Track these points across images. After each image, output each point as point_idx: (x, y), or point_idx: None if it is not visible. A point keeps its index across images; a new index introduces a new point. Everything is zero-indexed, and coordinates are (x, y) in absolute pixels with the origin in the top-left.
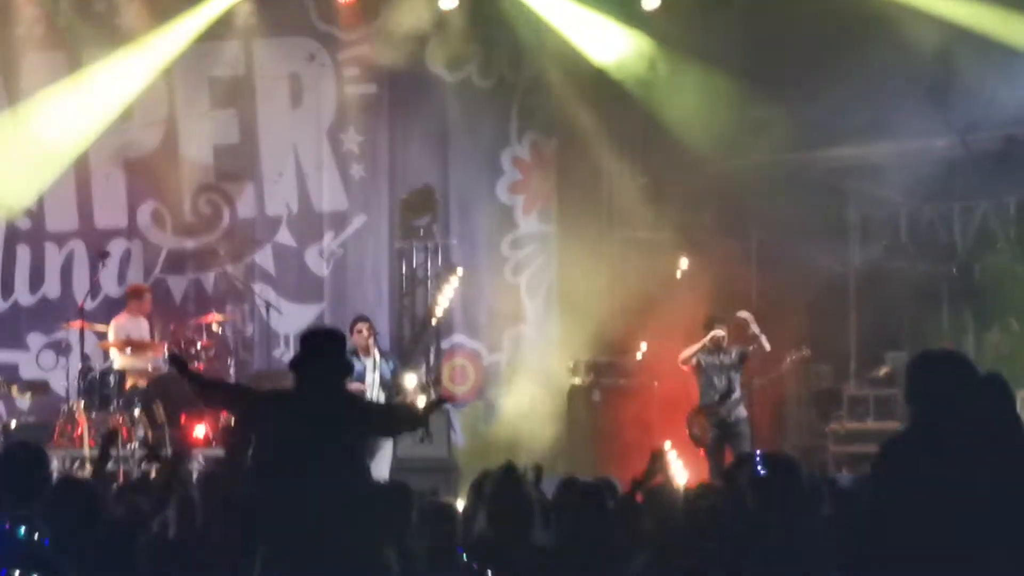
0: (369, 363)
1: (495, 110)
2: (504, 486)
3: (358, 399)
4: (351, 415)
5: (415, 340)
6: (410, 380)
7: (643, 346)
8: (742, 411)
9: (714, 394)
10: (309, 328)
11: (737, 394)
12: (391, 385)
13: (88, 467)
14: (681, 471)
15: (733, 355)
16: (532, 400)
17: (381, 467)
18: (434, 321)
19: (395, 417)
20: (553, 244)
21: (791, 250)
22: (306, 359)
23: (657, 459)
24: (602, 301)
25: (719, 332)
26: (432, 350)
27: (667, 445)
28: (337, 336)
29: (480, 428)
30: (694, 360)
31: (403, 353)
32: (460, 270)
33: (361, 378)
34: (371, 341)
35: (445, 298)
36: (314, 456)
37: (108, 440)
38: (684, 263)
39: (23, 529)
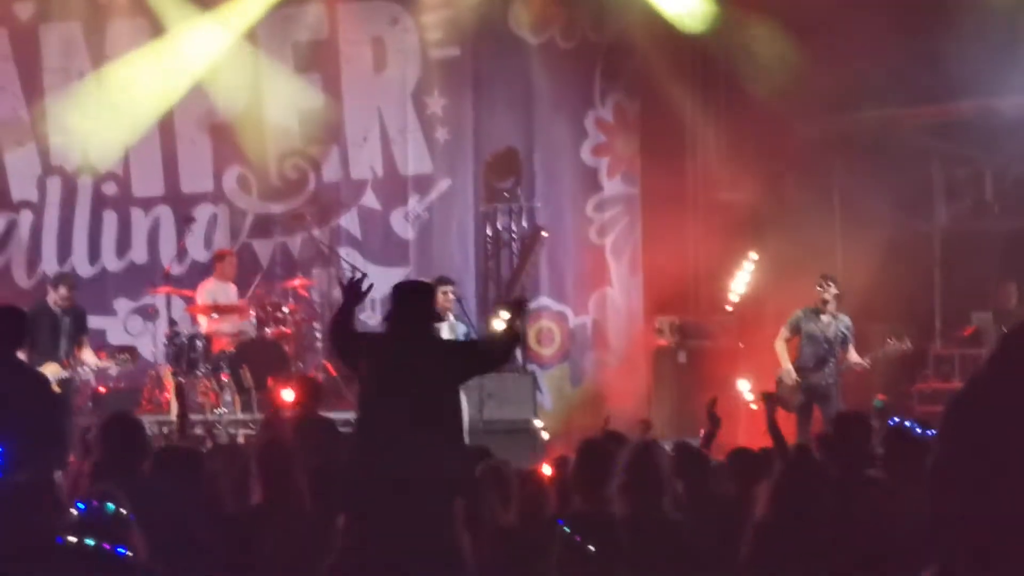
0: (445, 327)
1: (578, 72)
2: (642, 455)
3: (447, 341)
4: (441, 357)
5: (509, 287)
6: (498, 324)
7: (735, 293)
8: (836, 379)
9: (810, 361)
10: (398, 282)
11: (832, 366)
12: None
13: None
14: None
15: (841, 326)
16: (618, 362)
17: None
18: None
19: (484, 348)
20: (637, 206)
21: (875, 210)
22: (396, 310)
23: (712, 411)
24: (687, 263)
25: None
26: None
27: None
28: (423, 287)
29: (566, 390)
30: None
31: (495, 307)
32: (541, 239)
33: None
34: (450, 303)
35: (741, 281)
36: (409, 402)
37: (180, 395)
38: (768, 223)
39: (111, 506)
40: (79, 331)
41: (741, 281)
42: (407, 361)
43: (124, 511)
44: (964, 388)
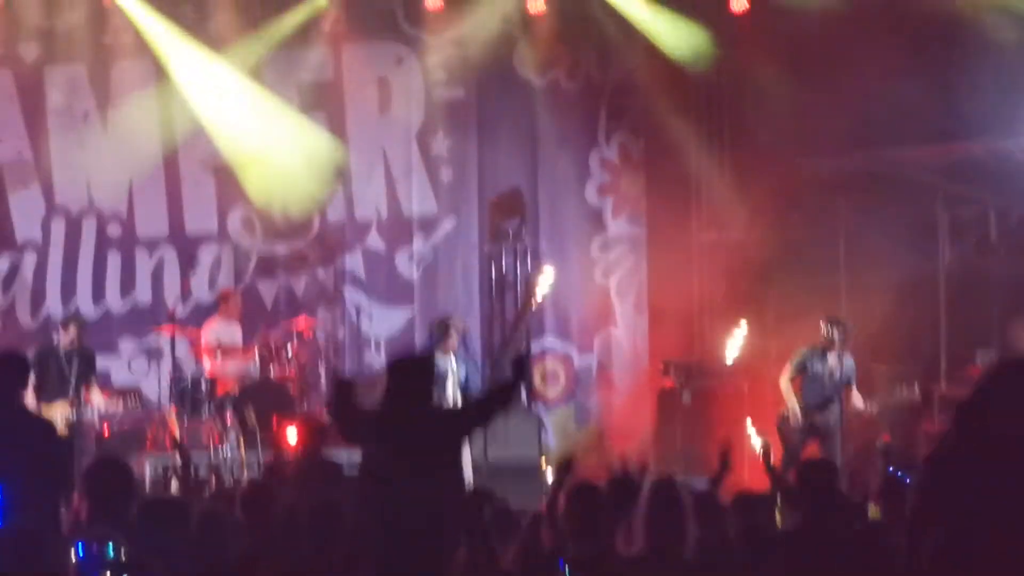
0: (447, 362)
1: (583, 112)
2: (662, 494)
3: (447, 413)
4: (441, 430)
5: (514, 328)
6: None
7: (736, 337)
8: (839, 421)
9: (815, 400)
10: (395, 357)
11: (836, 406)
12: (468, 387)
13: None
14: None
15: (846, 368)
16: (622, 403)
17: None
18: (534, 305)
19: (485, 404)
20: (643, 246)
21: (880, 249)
22: (393, 387)
23: (725, 455)
24: (692, 303)
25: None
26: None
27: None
28: (420, 362)
29: (570, 430)
30: (799, 368)
31: (499, 349)
32: (550, 269)
33: (443, 378)
34: (456, 342)
35: (543, 288)
36: (417, 477)
37: (182, 453)
38: (773, 264)
39: (111, 546)
40: (87, 372)
41: (733, 347)
42: (408, 441)
43: (124, 555)
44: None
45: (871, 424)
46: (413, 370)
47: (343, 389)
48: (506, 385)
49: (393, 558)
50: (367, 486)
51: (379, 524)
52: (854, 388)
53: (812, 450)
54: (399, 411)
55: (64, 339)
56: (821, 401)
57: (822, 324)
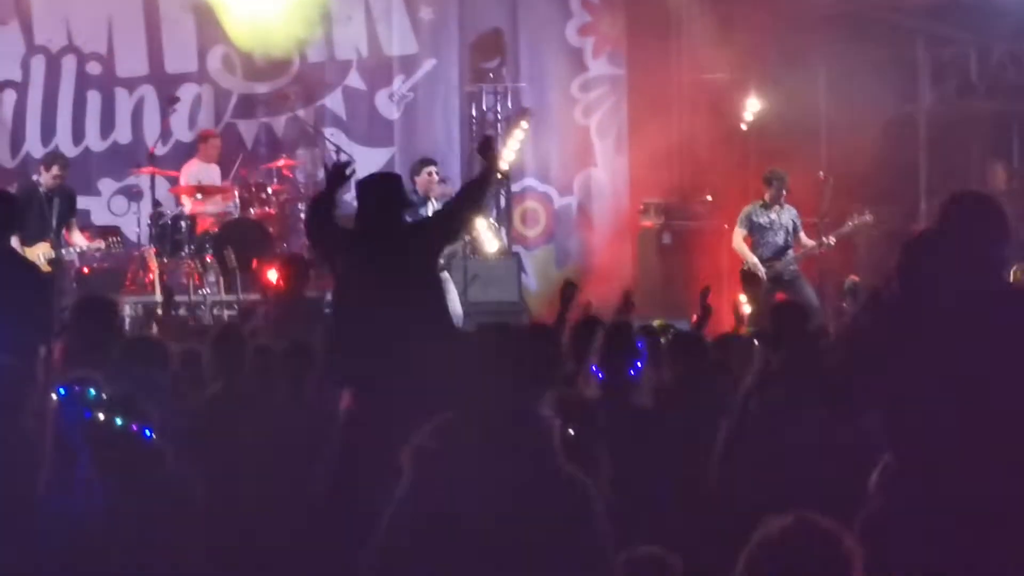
0: (430, 206)
1: None
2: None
3: (414, 222)
4: (410, 239)
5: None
6: (480, 224)
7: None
8: (797, 268)
9: (769, 251)
10: (363, 177)
11: (790, 254)
12: None
13: (158, 313)
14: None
15: (788, 216)
16: (603, 243)
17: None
18: (501, 168)
19: (456, 202)
20: (623, 86)
21: (860, 91)
22: (363, 204)
23: (705, 296)
24: (672, 143)
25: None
26: (502, 195)
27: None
28: (388, 177)
29: (551, 272)
30: (747, 224)
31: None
32: (526, 122)
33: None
34: (435, 184)
35: (512, 148)
36: (386, 291)
37: (165, 292)
38: (754, 105)
39: (92, 390)
40: (68, 212)
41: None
42: (378, 253)
43: (105, 395)
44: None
45: (844, 263)
46: (381, 185)
47: (336, 175)
48: (476, 176)
49: (368, 379)
50: (340, 308)
51: (352, 343)
52: (802, 233)
53: (781, 299)
54: (369, 226)
55: (46, 178)
56: (775, 251)
57: (766, 178)
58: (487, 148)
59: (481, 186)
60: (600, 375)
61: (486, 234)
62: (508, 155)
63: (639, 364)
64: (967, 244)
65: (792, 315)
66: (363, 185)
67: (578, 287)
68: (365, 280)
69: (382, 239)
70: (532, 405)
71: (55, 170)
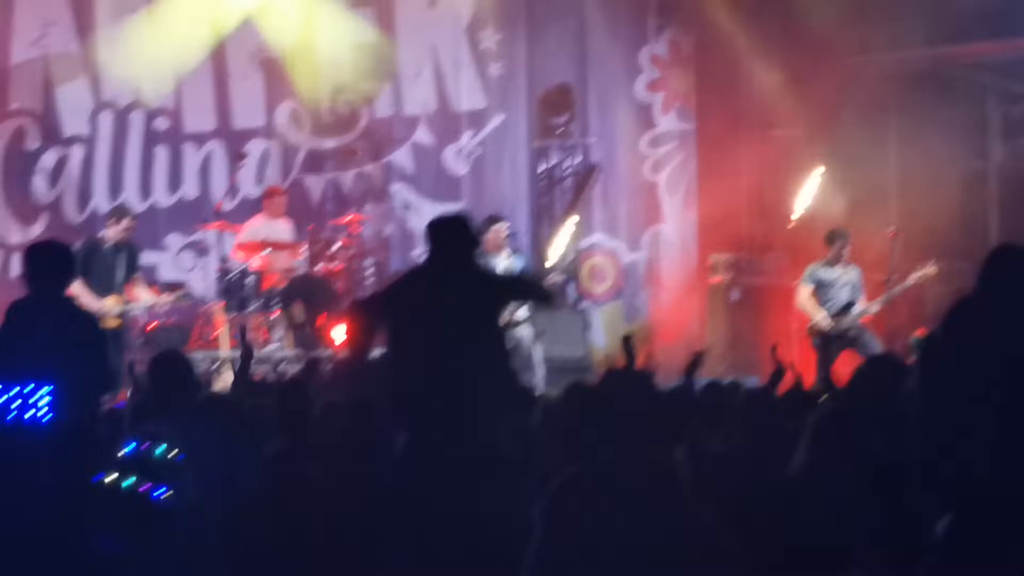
0: (498, 260)
1: (633, 6)
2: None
3: (487, 270)
4: (482, 284)
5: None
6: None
7: (799, 210)
8: (862, 323)
9: (835, 308)
10: (432, 219)
11: (859, 306)
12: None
13: (228, 369)
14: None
15: (853, 274)
16: (671, 299)
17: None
18: (548, 265)
19: (524, 282)
20: (692, 142)
21: (931, 147)
22: (432, 244)
23: (775, 355)
24: (741, 199)
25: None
26: (571, 251)
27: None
28: (460, 219)
29: (618, 328)
30: (812, 280)
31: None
32: (575, 217)
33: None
34: (504, 240)
35: (560, 244)
36: (452, 322)
37: (245, 348)
38: (820, 170)
39: (161, 448)
40: (132, 268)
41: (807, 195)
42: (445, 292)
43: (174, 453)
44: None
45: (913, 316)
46: (450, 225)
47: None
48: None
49: (424, 433)
50: (401, 356)
51: (414, 398)
52: (863, 297)
53: (848, 356)
54: (438, 266)
55: (115, 232)
56: (842, 306)
57: (829, 238)
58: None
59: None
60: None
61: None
62: (556, 250)
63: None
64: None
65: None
66: (433, 227)
67: (639, 338)
68: (431, 327)
69: (452, 281)
70: (666, 457)
71: (125, 223)
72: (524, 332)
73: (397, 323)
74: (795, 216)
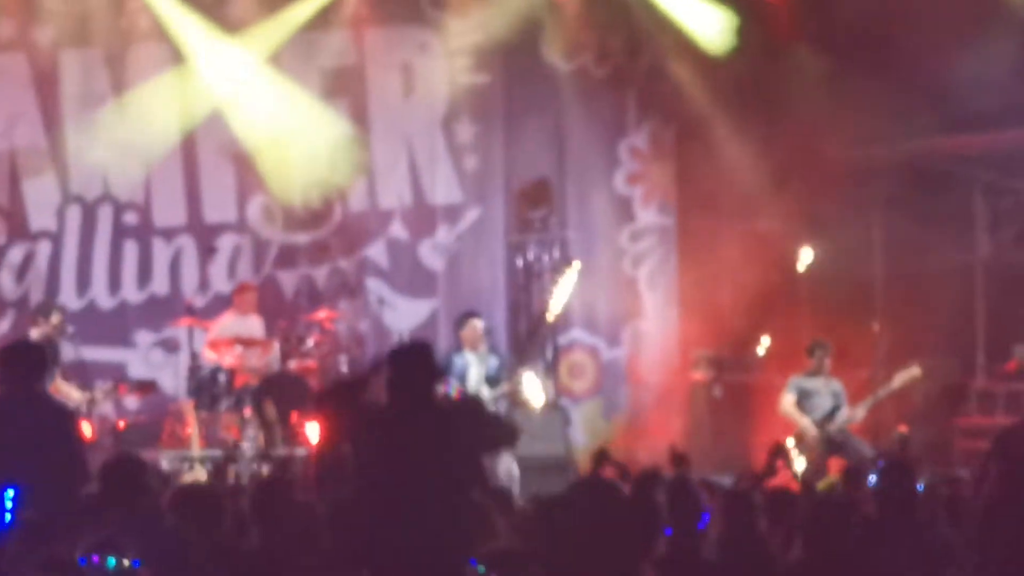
0: (475, 358)
1: (612, 99)
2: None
3: (452, 413)
4: (453, 421)
5: (530, 337)
6: (528, 379)
7: (764, 341)
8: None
9: (820, 415)
10: (394, 347)
11: (845, 412)
12: (497, 380)
13: (197, 467)
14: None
15: (835, 386)
16: (652, 396)
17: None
18: (549, 318)
19: (488, 426)
20: (672, 236)
21: (916, 240)
22: (395, 378)
23: (777, 455)
24: (723, 294)
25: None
26: (549, 347)
27: (790, 442)
28: (420, 349)
29: (598, 425)
30: (795, 390)
31: (519, 351)
32: (576, 263)
33: (464, 373)
34: (481, 337)
35: (561, 295)
36: (423, 483)
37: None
38: (807, 255)
39: (112, 560)
40: (54, 364)
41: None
42: (410, 437)
43: (128, 561)
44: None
45: (900, 414)
46: (412, 357)
47: (370, 374)
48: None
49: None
50: (366, 494)
51: (380, 538)
52: (846, 408)
53: (837, 463)
54: (402, 404)
55: (49, 327)
56: (824, 414)
57: (810, 350)
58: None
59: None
60: (667, 530)
61: (532, 388)
62: (557, 304)
63: (706, 517)
64: None
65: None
66: (395, 358)
67: (608, 456)
68: (394, 468)
69: (415, 421)
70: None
71: (56, 318)
72: None
73: (362, 455)
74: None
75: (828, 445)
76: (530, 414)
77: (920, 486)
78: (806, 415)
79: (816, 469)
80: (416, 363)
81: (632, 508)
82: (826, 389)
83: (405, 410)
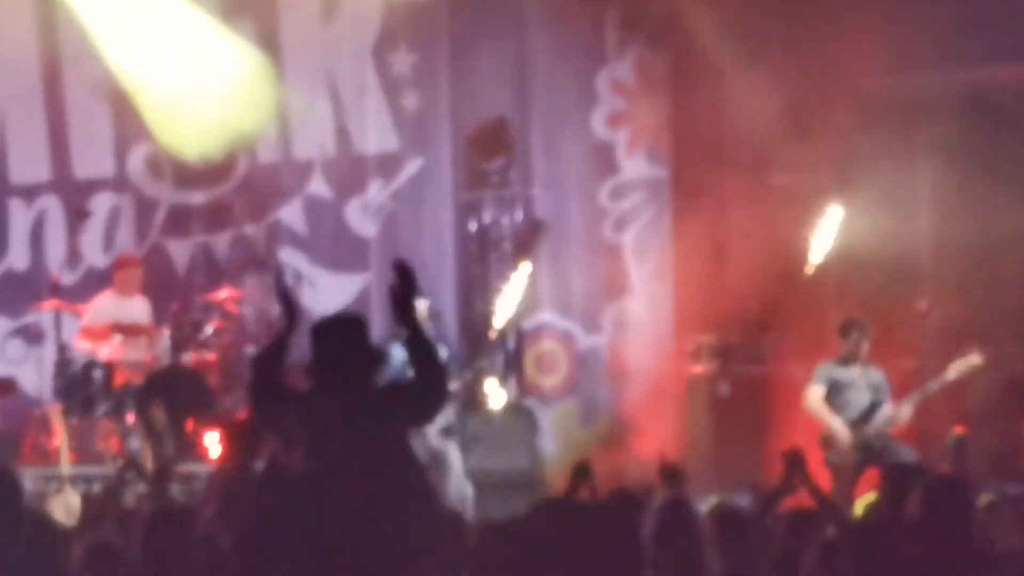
0: None
1: (587, 18)
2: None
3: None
4: (388, 409)
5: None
6: (490, 384)
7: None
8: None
9: (856, 412)
10: (318, 320)
11: (887, 410)
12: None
13: (67, 489)
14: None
15: (875, 376)
16: (641, 395)
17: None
18: (492, 335)
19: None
20: (666, 192)
21: (974, 195)
22: (318, 359)
23: (795, 465)
24: (730, 265)
25: None
26: (510, 336)
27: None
28: (347, 323)
29: (574, 432)
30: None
31: (472, 340)
32: (527, 264)
33: (403, 368)
34: (425, 322)
35: (507, 303)
36: (357, 484)
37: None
38: (835, 215)
39: None
40: None
41: (826, 236)
42: (341, 431)
43: None
44: None
45: (952, 412)
46: (337, 334)
47: (276, 351)
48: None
49: None
50: (288, 489)
51: (307, 541)
52: (888, 404)
53: (873, 474)
54: (329, 391)
55: None
56: (864, 411)
57: (843, 330)
58: (401, 305)
59: (427, 368)
60: None
61: (489, 385)
62: (503, 314)
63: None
64: None
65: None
66: (317, 335)
67: (589, 473)
68: (324, 466)
69: (345, 412)
70: None
71: None
72: (444, 443)
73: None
74: (811, 267)
75: (864, 453)
76: (487, 418)
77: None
78: (838, 414)
79: (848, 483)
80: (346, 343)
81: (610, 538)
82: (863, 381)
83: (336, 403)
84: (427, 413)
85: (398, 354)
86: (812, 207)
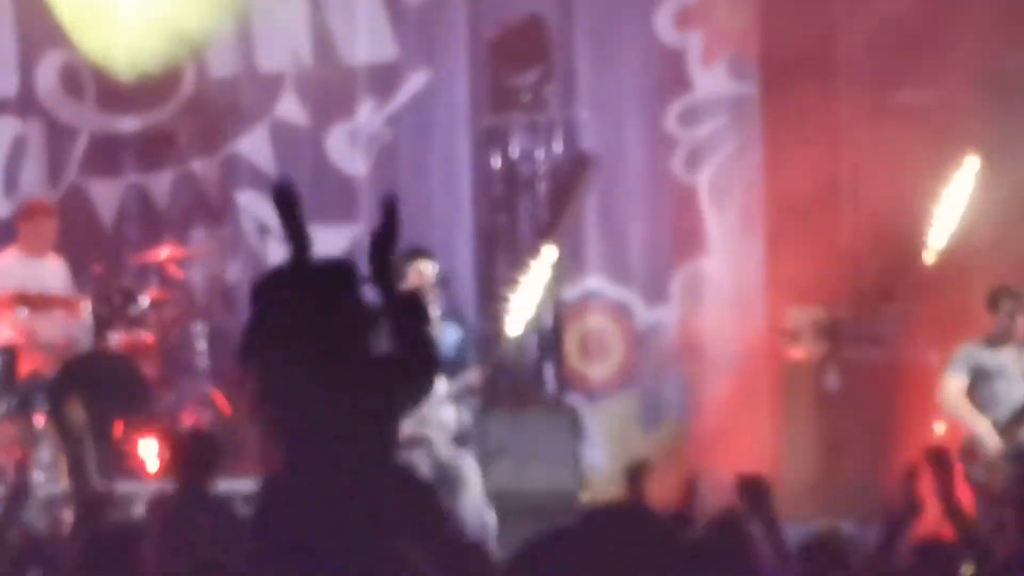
0: None
1: None
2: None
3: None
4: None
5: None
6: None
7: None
8: None
9: (1006, 408)
10: (273, 269)
11: None
12: (458, 362)
13: None
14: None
15: None
16: (722, 387)
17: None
18: (505, 344)
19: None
20: (754, 116)
21: None
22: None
23: (941, 467)
24: (841, 215)
25: None
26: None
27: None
28: (338, 270)
29: (632, 437)
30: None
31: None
32: (551, 249)
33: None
34: (432, 290)
35: (526, 302)
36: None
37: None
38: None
39: None
40: None
41: (955, 206)
42: (323, 405)
43: None
44: None
45: None
46: (323, 285)
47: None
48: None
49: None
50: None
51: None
52: None
53: None
54: (309, 359)
55: None
56: (1019, 409)
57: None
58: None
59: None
60: None
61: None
62: (520, 318)
63: None
64: None
65: None
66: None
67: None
68: (300, 442)
69: (328, 382)
70: None
71: None
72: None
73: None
74: (934, 245)
75: (1020, 465)
76: (516, 421)
77: None
78: (984, 412)
79: (997, 506)
80: (329, 297)
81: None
82: (1018, 368)
83: (316, 371)
84: (403, 402)
85: (452, 334)
86: (947, 135)
